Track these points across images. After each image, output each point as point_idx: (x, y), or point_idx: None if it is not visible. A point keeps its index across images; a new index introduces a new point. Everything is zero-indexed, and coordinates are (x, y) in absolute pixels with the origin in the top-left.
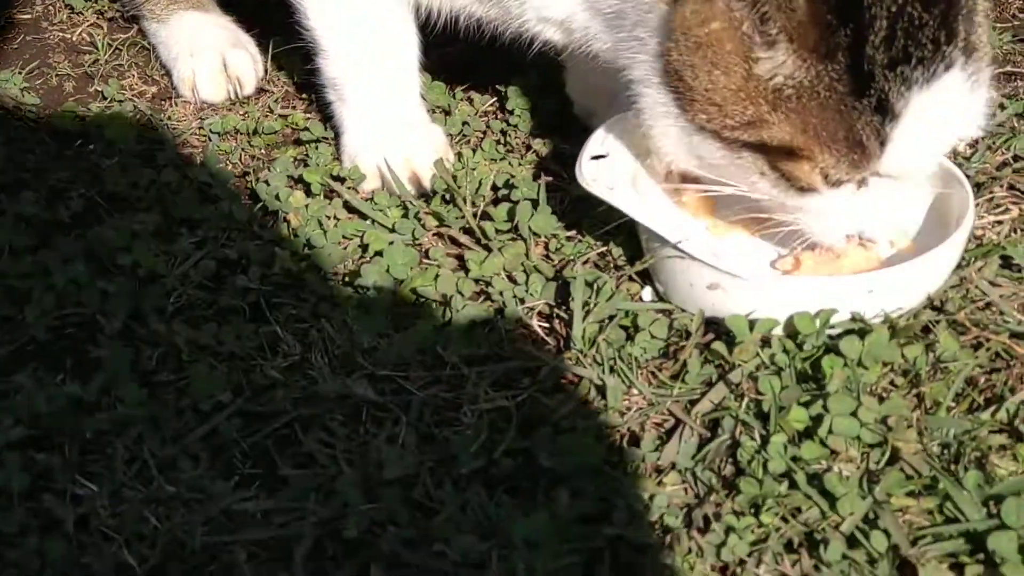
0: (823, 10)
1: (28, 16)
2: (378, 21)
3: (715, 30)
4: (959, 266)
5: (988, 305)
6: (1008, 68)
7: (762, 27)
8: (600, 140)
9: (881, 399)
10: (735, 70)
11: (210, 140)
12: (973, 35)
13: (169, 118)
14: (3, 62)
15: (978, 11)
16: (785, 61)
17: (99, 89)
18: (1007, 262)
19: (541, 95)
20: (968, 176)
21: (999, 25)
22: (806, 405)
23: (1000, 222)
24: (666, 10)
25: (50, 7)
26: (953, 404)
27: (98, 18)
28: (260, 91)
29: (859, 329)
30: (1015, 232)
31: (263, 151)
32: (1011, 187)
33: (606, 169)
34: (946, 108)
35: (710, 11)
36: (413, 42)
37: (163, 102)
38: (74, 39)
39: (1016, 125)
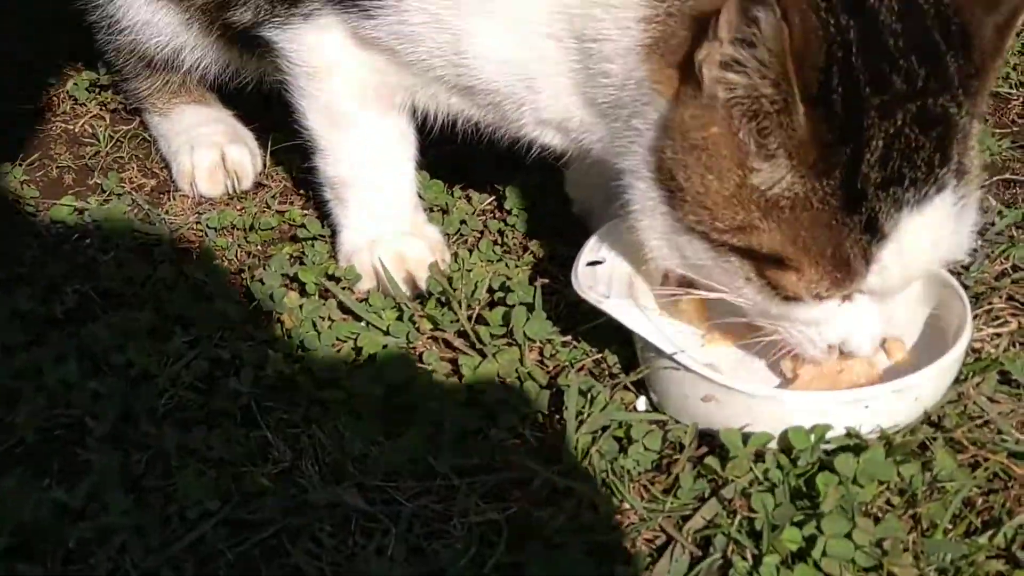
0: (824, 129)
1: (31, 107)
2: (374, 123)
3: (713, 135)
4: (957, 381)
5: (986, 423)
6: (1007, 176)
7: (761, 140)
8: (596, 246)
9: (876, 519)
10: (729, 176)
11: (207, 235)
12: (965, 158)
13: (167, 212)
14: (5, 153)
15: (972, 134)
16: (783, 175)
17: (98, 182)
18: (1006, 377)
19: (540, 194)
20: (966, 287)
21: (998, 131)
22: (800, 525)
23: (999, 335)
24: (666, 106)
25: (54, 98)
26: (950, 526)
27: (101, 110)
28: (258, 186)
29: (854, 445)
30: (1014, 346)
31: (259, 247)
32: (1010, 298)
33: (602, 275)
34: (934, 231)
35: (710, 117)
36: (410, 143)
37: (161, 195)
38: (76, 130)
39: (1015, 234)
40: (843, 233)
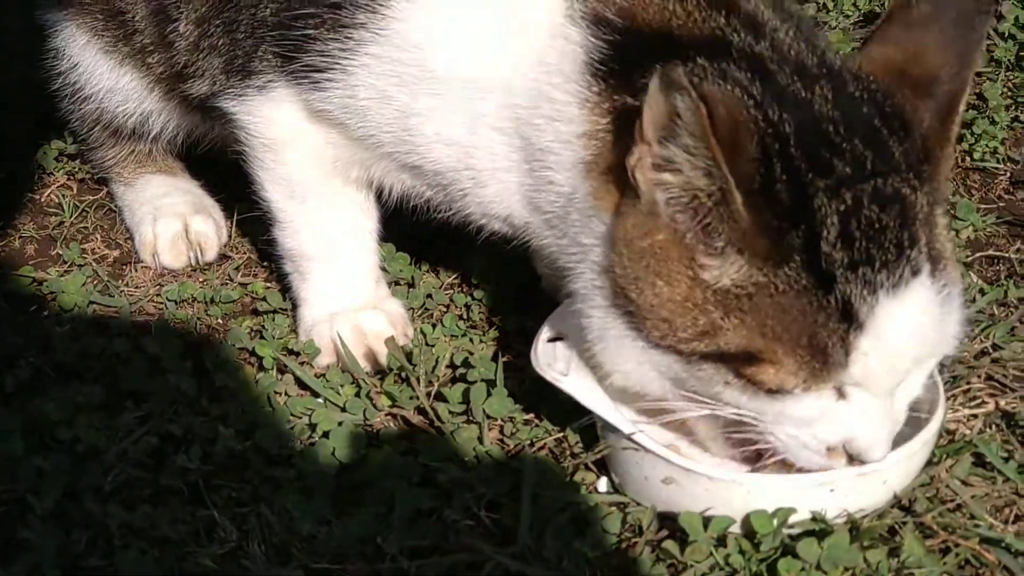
0: (769, 216)
1: (1, 175)
2: (332, 195)
3: (660, 241)
4: (929, 463)
5: (958, 507)
6: (991, 252)
7: (707, 237)
8: (557, 322)
9: None
10: (681, 280)
11: (166, 308)
12: (936, 243)
13: (127, 284)
14: None
15: (938, 222)
16: (736, 267)
17: (60, 252)
18: (980, 460)
19: (509, 267)
20: (943, 366)
21: (983, 206)
22: None
23: (975, 416)
24: (609, 219)
25: (21, 167)
26: None
27: (68, 179)
28: (222, 257)
29: (819, 530)
30: (990, 428)
31: (220, 320)
32: (989, 378)
33: (563, 352)
34: (915, 318)
35: (653, 223)
36: (370, 215)
37: (124, 267)
38: (42, 200)
39: (995, 312)
40: (816, 317)
